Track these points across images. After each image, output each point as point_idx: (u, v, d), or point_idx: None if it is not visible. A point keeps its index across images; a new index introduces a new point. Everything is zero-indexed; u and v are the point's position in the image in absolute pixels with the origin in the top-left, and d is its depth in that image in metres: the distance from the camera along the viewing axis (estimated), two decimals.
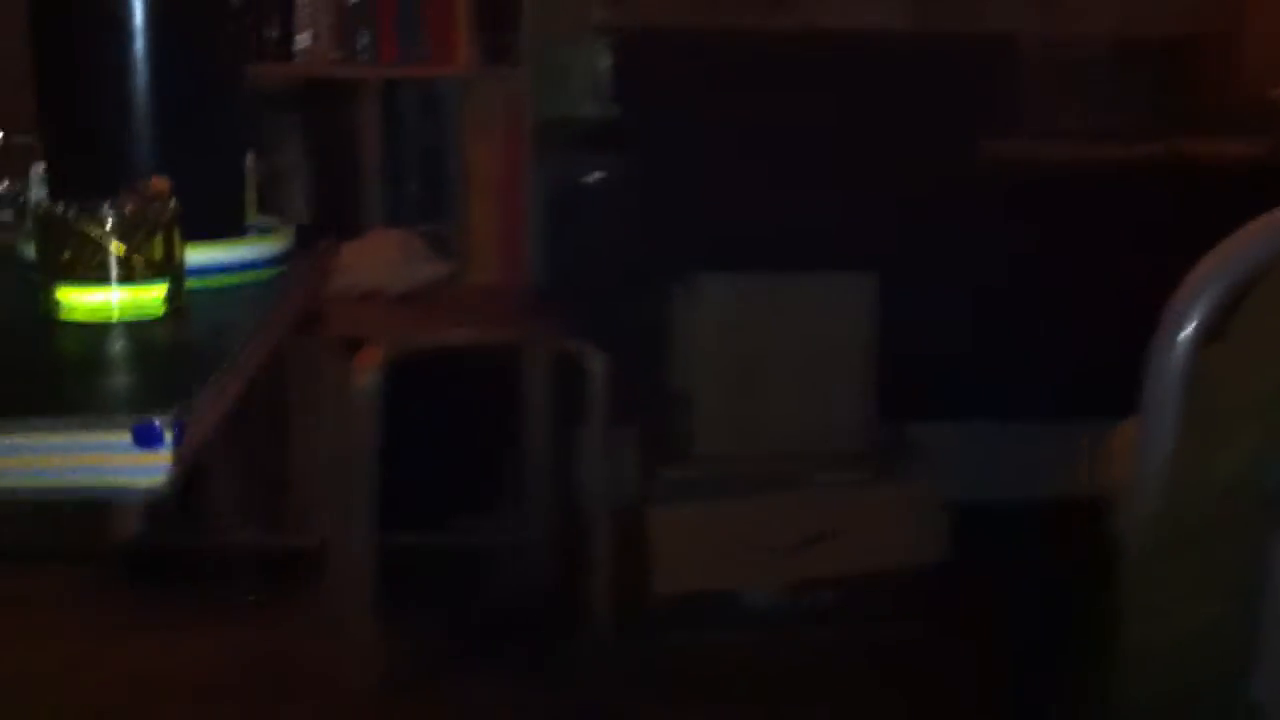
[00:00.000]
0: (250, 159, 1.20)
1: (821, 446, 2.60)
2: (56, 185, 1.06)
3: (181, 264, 0.96)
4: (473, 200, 2.71)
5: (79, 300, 0.91)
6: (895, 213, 2.86)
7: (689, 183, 2.76)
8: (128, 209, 0.91)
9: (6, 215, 1.21)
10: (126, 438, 0.71)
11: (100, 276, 0.91)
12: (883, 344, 2.59)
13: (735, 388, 2.58)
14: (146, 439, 0.72)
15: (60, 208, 0.91)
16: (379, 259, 2.41)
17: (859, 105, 2.61)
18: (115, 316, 0.91)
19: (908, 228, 2.86)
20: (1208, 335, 1.45)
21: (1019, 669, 2.37)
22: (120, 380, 0.88)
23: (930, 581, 2.57)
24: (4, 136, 1.22)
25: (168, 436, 0.72)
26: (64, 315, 0.91)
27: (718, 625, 2.57)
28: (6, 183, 1.22)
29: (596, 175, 2.50)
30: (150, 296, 0.93)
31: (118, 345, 0.91)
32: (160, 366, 0.89)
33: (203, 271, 1.02)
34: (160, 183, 0.98)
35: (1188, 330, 1.45)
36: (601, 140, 2.57)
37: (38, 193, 1.11)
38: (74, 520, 2.72)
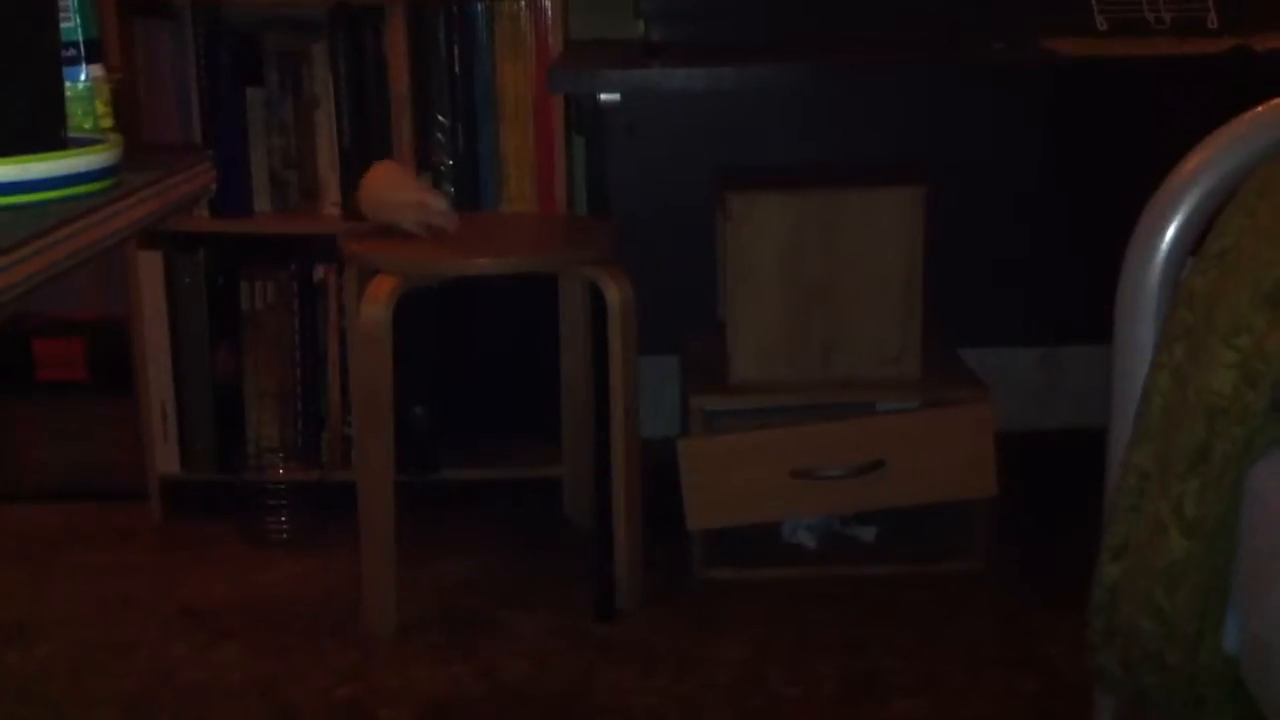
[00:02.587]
0: (98, 71, 1.14)
1: (868, 373, 2.47)
2: None
3: None
4: (504, 127, 2.62)
5: None
6: (946, 121, 2.72)
7: (725, 101, 2.65)
8: None
9: None
10: None
11: None
12: (935, 265, 2.44)
13: (777, 312, 2.46)
14: None
15: None
16: (395, 198, 2.34)
17: (902, 7, 2.46)
18: None
19: (960, 137, 2.73)
20: (1188, 247, 1.32)
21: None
22: None
23: (983, 513, 2.44)
24: None
25: None
26: None
27: (757, 560, 2.48)
28: None
29: (630, 96, 2.38)
30: None
31: None
32: None
33: None
34: None
35: (1164, 243, 1.31)
36: (637, 60, 2.45)
37: None
38: (113, 457, 2.74)
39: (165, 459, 2.69)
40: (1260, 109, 1.36)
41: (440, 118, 2.63)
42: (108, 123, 1.16)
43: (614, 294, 2.27)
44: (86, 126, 1.14)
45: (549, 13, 2.58)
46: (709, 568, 2.45)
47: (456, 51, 2.61)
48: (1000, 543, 2.45)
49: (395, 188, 2.36)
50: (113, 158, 1.07)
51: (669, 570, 2.43)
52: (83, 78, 1.13)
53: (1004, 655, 2.17)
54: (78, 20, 1.12)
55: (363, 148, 2.63)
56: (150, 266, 2.64)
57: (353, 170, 2.63)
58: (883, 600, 2.36)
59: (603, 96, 2.35)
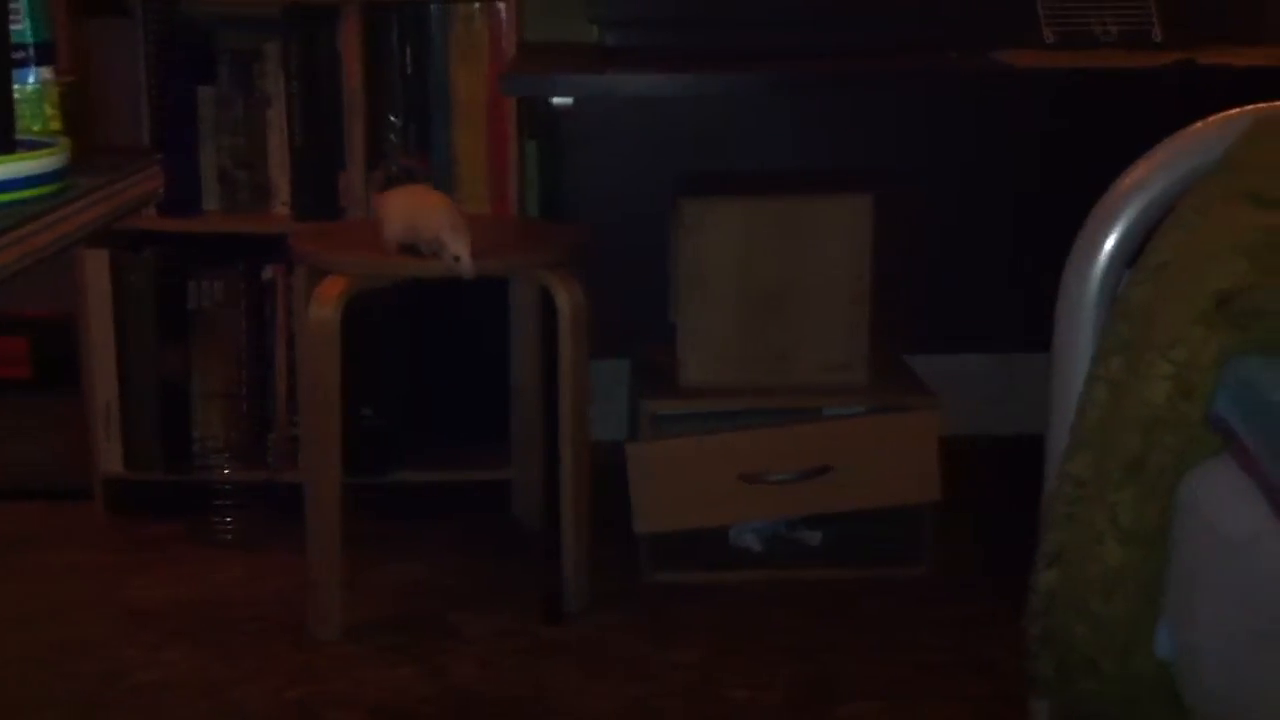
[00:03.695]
0: (47, 73, 1.14)
1: (817, 379, 2.49)
2: None
3: None
4: (457, 129, 2.63)
5: None
6: (898, 131, 2.75)
7: (682, 106, 2.67)
8: None
9: None
10: None
11: None
12: (889, 271, 2.47)
13: (728, 318, 2.47)
14: None
15: None
16: (430, 220, 2.25)
17: (858, 15, 2.49)
18: None
19: (912, 146, 2.76)
20: (1126, 260, 1.34)
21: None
22: None
23: (929, 518, 2.46)
24: None
25: None
26: None
27: (704, 564, 2.49)
28: None
29: (583, 100, 2.39)
30: None
31: None
32: None
33: None
34: None
35: (1103, 255, 1.33)
36: (590, 65, 2.46)
37: None
38: (58, 456, 2.72)
39: (109, 458, 2.67)
40: (1199, 125, 1.38)
41: (393, 118, 2.63)
42: (56, 125, 1.16)
43: (564, 299, 2.27)
44: (35, 129, 1.14)
45: (504, 15, 2.59)
46: (657, 571, 2.46)
47: (410, 52, 2.61)
48: (953, 546, 2.47)
49: (422, 213, 2.23)
50: (61, 161, 1.07)
51: (617, 573, 2.44)
52: (31, 80, 1.13)
53: (952, 659, 2.20)
54: (28, 23, 1.12)
55: (314, 147, 2.63)
56: (97, 264, 2.63)
57: (303, 170, 2.63)
58: (832, 604, 2.38)
59: (556, 101, 2.36)
